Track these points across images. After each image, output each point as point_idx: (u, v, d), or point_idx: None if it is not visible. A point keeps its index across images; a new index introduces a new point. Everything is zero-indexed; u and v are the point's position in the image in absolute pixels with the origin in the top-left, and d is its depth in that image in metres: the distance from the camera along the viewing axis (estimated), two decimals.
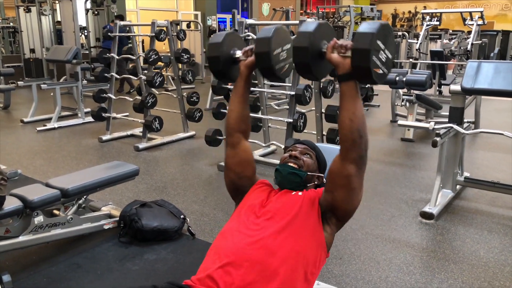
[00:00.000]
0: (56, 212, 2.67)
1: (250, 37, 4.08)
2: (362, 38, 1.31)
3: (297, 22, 3.77)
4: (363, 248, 2.65)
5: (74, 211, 2.69)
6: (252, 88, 4.37)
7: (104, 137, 5.13)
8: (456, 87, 3.17)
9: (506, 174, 3.99)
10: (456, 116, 3.23)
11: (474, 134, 3.23)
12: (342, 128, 1.41)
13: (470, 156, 4.39)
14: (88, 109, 6.47)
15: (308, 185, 1.65)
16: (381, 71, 1.35)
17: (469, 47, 8.17)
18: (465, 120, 3.42)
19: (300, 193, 1.56)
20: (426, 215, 3.03)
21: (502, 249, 2.64)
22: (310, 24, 1.43)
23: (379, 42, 1.32)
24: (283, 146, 3.68)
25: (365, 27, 1.33)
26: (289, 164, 1.64)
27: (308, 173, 1.64)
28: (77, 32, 7.62)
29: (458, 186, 3.47)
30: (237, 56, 1.66)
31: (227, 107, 1.73)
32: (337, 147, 1.97)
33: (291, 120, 3.67)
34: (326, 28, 1.48)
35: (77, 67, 6.16)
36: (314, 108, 4.00)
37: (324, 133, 3.97)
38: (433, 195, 3.15)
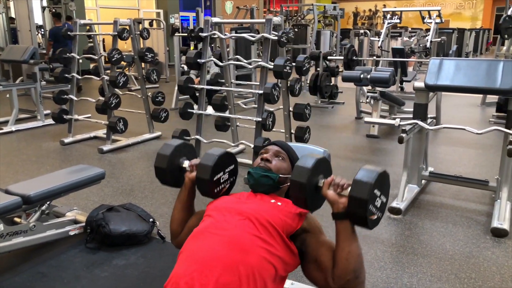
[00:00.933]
0: (17, 219, 2.56)
1: (216, 36, 4.04)
2: (360, 187, 1.30)
3: (263, 20, 3.76)
4: (332, 236, 2.66)
5: (37, 218, 2.58)
6: (219, 88, 4.33)
7: (66, 140, 4.96)
8: (420, 84, 3.24)
9: (467, 168, 4.13)
10: (420, 112, 3.31)
11: (438, 129, 3.31)
12: (337, 268, 1.37)
13: (434, 151, 4.52)
14: (48, 111, 6.23)
15: (281, 186, 1.64)
16: (375, 217, 1.35)
17: (428, 44, 8.41)
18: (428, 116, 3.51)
19: (279, 203, 1.54)
20: (394, 211, 3.09)
21: (466, 242, 2.72)
22: (309, 159, 1.44)
23: (376, 191, 1.32)
24: (252, 145, 3.66)
25: (364, 174, 1.32)
26: (261, 166, 1.62)
27: (280, 175, 1.63)
28: (34, 31, 7.34)
29: (423, 181, 3.56)
30: (184, 166, 1.73)
31: (173, 207, 1.78)
32: (310, 146, 1.99)
33: (260, 119, 3.66)
34: (324, 163, 1.49)
35: (35, 68, 5.92)
36: (282, 107, 4.00)
37: (293, 131, 3.98)
38: (400, 191, 3.22)
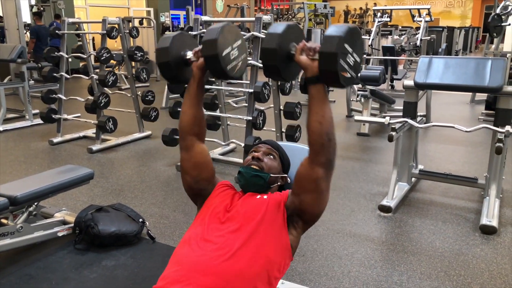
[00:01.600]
0: (4, 221, 2.52)
1: None
2: (329, 42, 1.29)
3: (253, 19, 3.75)
4: (325, 244, 2.67)
5: (24, 219, 2.54)
6: (209, 86, 4.31)
7: (55, 140, 4.91)
8: (409, 82, 3.25)
9: (456, 165, 4.16)
10: (410, 110, 3.32)
11: (427, 127, 3.33)
12: (311, 132, 1.39)
13: (423, 149, 4.54)
14: (37, 111, 6.16)
15: (271, 186, 1.63)
16: (349, 75, 1.34)
17: (418, 42, 8.45)
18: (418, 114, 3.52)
19: (265, 197, 1.53)
20: (384, 209, 3.10)
21: (456, 239, 2.74)
22: (279, 25, 1.40)
23: (346, 46, 1.30)
24: (243, 144, 3.65)
25: (333, 30, 1.31)
26: (252, 166, 1.61)
27: (272, 174, 1.62)
28: (22, 30, 7.24)
29: (413, 179, 3.57)
30: (188, 57, 1.59)
31: (183, 103, 1.67)
32: (300, 146, 1.98)
33: (251, 118, 3.65)
34: (295, 30, 1.46)
35: (23, 67, 5.86)
36: (272, 105, 3.99)
37: (283, 130, 3.97)
38: (390, 189, 3.23)
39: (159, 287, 1.34)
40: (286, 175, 1.69)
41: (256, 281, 1.33)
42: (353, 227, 2.90)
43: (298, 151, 1.83)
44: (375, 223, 2.97)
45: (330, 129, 1.38)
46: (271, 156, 1.67)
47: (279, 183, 1.66)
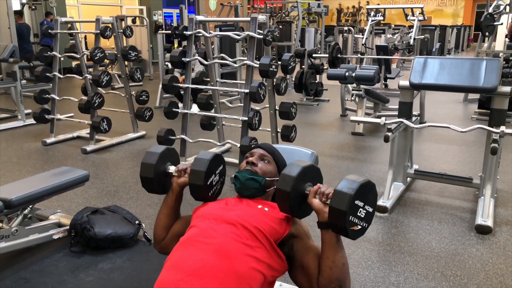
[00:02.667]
0: None
1: (201, 34, 4.00)
2: (339, 198, 1.28)
3: (248, 19, 3.73)
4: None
5: (19, 222, 2.52)
6: (204, 87, 4.30)
7: (49, 140, 4.86)
8: (404, 83, 3.26)
9: (451, 165, 4.18)
10: (405, 110, 3.33)
11: (422, 128, 3.34)
12: (322, 276, 1.37)
13: (418, 148, 4.56)
14: (29, 110, 6.12)
15: (267, 190, 1.63)
16: (359, 227, 1.32)
17: (411, 41, 8.49)
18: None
19: (266, 209, 1.52)
20: (380, 209, 3.11)
21: (452, 239, 2.75)
22: (295, 167, 1.41)
23: (357, 202, 1.29)
24: (238, 145, 3.65)
25: (344, 185, 1.29)
26: (247, 169, 1.62)
27: (267, 178, 1.62)
28: (13, 29, 7.18)
29: (408, 179, 3.59)
30: (170, 171, 1.69)
31: (159, 212, 1.75)
32: (298, 148, 1.98)
33: (246, 119, 3.64)
34: (312, 170, 1.46)
35: (15, 66, 5.80)
36: (268, 105, 3.99)
37: (279, 130, 3.97)
38: (386, 189, 3.24)
39: None
40: None
41: (251, 281, 1.32)
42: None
43: (295, 153, 1.84)
44: (372, 224, 2.96)
45: (342, 275, 1.35)
46: (266, 161, 1.68)
47: (275, 186, 1.66)
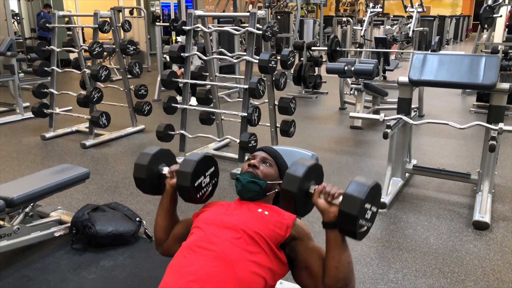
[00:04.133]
0: (0, 222, 2.51)
1: (199, 29, 3.99)
2: (350, 203, 1.27)
3: (247, 14, 3.72)
4: (321, 241, 2.64)
5: (21, 221, 2.54)
6: (203, 82, 4.30)
7: (47, 135, 4.86)
8: (403, 79, 3.26)
9: (449, 159, 4.21)
10: (404, 107, 3.34)
11: (422, 124, 3.35)
12: (327, 276, 1.38)
13: (416, 142, 4.58)
14: (27, 104, 6.11)
15: (268, 193, 1.64)
16: (365, 228, 1.33)
17: (410, 33, 8.47)
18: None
19: (266, 212, 1.53)
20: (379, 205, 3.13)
21: (449, 235, 2.78)
22: (300, 167, 1.41)
23: (367, 205, 1.29)
24: (238, 141, 3.65)
25: (354, 188, 1.29)
26: (249, 172, 1.63)
27: (268, 182, 1.63)
28: (10, 21, 7.13)
29: (407, 174, 3.61)
30: (163, 172, 1.70)
31: (156, 215, 1.76)
32: (300, 150, 1.99)
33: (246, 114, 3.64)
34: (317, 170, 1.47)
35: (12, 60, 5.77)
36: (267, 100, 3.99)
37: (278, 125, 3.98)
38: (385, 185, 3.26)
39: None
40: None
41: (252, 287, 1.34)
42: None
43: (296, 155, 1.85)
44: None
45: (348, 274, 1.36)
46: (267, 164, 1.68)
47: (276, 190, 1.68)
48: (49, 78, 4.99)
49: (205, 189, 1.65)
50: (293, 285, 2.18)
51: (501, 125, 2.87)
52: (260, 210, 1.54)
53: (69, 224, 2.67)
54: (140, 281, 2.31)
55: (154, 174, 1.69)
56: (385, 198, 3.17)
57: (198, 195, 1.63)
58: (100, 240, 2.58)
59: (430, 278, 2.33)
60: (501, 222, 2.94)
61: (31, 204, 2.59)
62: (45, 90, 4.90)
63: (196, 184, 1.59)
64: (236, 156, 3.93)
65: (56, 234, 2.63)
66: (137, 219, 2.77)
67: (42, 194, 2.52)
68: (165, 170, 1.70)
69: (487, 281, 2.31)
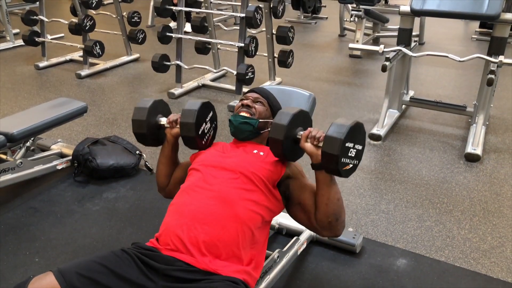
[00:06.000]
0: (3, 156, 2.56)
1: None
2: (330, 143, 1.33)
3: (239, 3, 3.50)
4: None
5: (23, 155, 2.59)
6: (198, 10, 4.15)
7: (41, 64, 4.78)
8: (405, 8, 3.16)
9: (447, 90, 4.21)
10: (405, 37, 3.27)
11: (421, 56, 3.30)
12: (318, 212, 1.47)
13: (415, 72, 4.54)
14: (17, 30, 5.94)
15: (261, 132, 1.69)
16: (351, 165, 1.39)
17: None
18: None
19: (261, 153, 1.58)
20: (374, 137, 3.19)
21: (441, 167, 2.87)
22: (285, 115, 1.44)
23: (348, 144, 1.34)
24: (235, 72, 3.62)
25: (333, 130, 1.34)
26: (241, 113, 1.66)
27: (260, 120, 1.66)
28: None
29: (403, 106, 3.63)
30: (162, 123, 1.71)
31: (158, 162, 1.80)
32: (297, 90, 1.98)
33: (242, 45, 3.57)
34: (302, 115, 1.49)
35: None
36: (264, 29, 3.89)
37: (276, 55, 3.92)
38: (381, 117, 3.29)
39: (161, 235, 1.42)
40: None
41: (250, 224, 1.43)
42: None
43: (293, 95, 1.85)
44: (365, 152, 2.98)
45: (337, 209, 1.45)
46: (259, 103, 1.73)
47: (269, 129, 1.71)
48: (37, 3, 4.79)
49: (208, 135, 1.70)
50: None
51: (501, 57, 2.84)
52: (255, 151, 1.59)
53: (70, 157, 2.73)
54: (143, 212, 2.40)
55: (153, 126, 1.71)
56: (381, 131, 3.21)
57: (203, 142, 1.68)
58: (101, 173, 2.66)
59: (420, 209, 2.44)
60: (492, 154, 3.02)
61: (32, 139, 2.62)
62: (35, 17, 4.72)
63: (200, 132, 1.64)
64: (233, 87, 3.90)
65: (59, 167, 2.70)
66: (137, 152, 2.82)
67: (41, 129, 2.54)
68: (163, 120, 1.72)
69: (473, 211, 2.42)
